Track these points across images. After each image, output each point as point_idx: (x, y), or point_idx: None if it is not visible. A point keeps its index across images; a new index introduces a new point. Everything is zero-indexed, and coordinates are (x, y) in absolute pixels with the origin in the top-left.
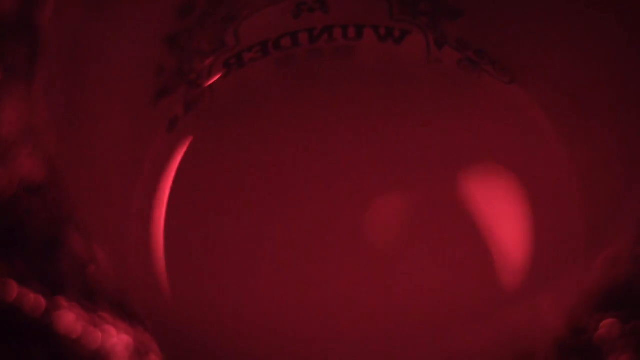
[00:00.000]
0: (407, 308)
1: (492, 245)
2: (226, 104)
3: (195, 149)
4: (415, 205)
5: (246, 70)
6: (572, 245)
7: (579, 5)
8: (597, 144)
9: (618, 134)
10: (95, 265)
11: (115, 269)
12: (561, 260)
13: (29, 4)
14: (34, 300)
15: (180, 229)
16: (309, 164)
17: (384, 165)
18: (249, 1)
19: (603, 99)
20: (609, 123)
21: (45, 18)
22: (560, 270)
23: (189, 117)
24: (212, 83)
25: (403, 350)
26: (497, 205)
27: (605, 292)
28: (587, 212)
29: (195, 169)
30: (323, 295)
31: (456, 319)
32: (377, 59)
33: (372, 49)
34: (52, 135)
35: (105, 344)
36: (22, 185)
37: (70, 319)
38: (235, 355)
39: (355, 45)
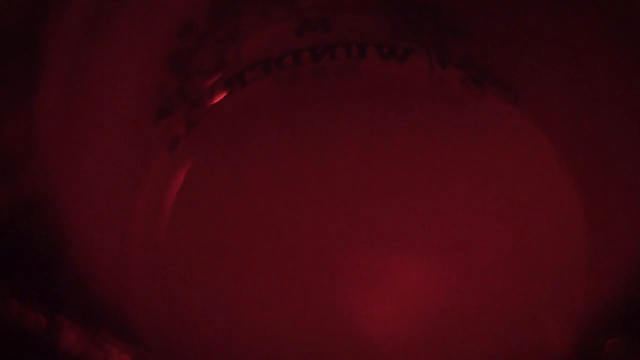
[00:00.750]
0: (408, 329)
1: (494, 266)
2: (228, 123)
3: (197, 168)
4: (417, 225)
5: (248, 89)
6: (576, 267)
7: (583, 26)
8: (600, 164)
9: (620, 153)
10: (96, 283)
11: (116, 287)
12: (565, 281)
13: (31, 21)
14: (35, 319)
15: (182, 247)
16: (311, 182)
17: (387, 184)
18: (251, 20)
19: (605, 119)
20: (612, 142)
21: (46, 36)
22: (564, 290)
23: (191, 137)
24: (214, 102)
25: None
26: (498, 223)
27: (610, 312)
28: (590, 231)
29: (197, 188)
30: (324, 315)
31: (459, 339)
32: (380, 78)
33: (375, 68)
34: (52, 153)
35: None
36: (22, 204)
37: (71, 338)
38: None
39: (358, 64)
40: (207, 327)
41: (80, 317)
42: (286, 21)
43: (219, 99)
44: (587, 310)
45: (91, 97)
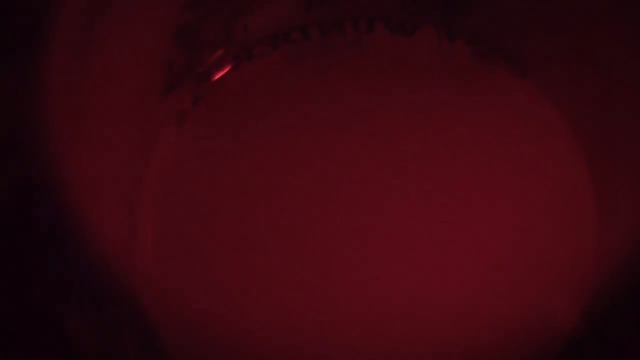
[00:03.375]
0: (415, 303)
1: (503, 242)
2: (235, 98)
3: (204, 143)
4: (425, 200)
5: (255, 64)
6: (584, 239)
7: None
8: (609, 136)
9: (630, 125)
10: (103, 262)
11: (124, 267)
12: (573, 255)
13: None
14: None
15: (190, 221)
16: (319, 157)
17: (395, 159)
18: None
19: (615, 91)
20: (621, 114)
21: (52, 12)
22: (572, 265)
23: (198, 111)
24: (221, 77)
25: (413, 344)
26: (508, 200)
27: (617, 287)
28: (599, 206)
29: (203, 163)
30: (325, 296)
31: (468, 317)
32: (388, 52)
33: (383, 42)
34: (58, 130)
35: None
36: (28, 184)
37: (79, 321)
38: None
39: (367, 39)
40: (217, 308)
41: (88, 300)
42: None
43: (226, 74)
44: (595, 284)
45: (98, 73)
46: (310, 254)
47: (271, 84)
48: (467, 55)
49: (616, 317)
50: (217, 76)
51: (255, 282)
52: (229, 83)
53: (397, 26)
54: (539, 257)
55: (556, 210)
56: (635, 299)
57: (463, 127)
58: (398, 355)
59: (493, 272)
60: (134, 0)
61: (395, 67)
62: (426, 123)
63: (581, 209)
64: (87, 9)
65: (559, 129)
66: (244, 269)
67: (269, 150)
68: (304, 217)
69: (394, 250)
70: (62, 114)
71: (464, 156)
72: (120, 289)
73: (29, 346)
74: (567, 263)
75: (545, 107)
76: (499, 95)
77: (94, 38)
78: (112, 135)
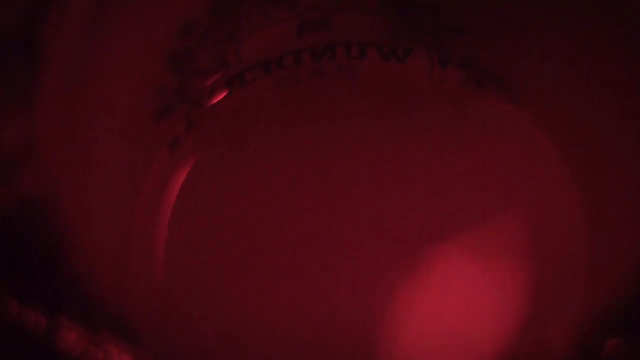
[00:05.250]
0: (408, 326)
1: (496, 267)
2: (228, 123)
3: (197, 168)
4: (416, 225)
5: (248, 89)
6: (577, 265)
7: (583, 26)
8: (600, 165)
9: (622, 153)
10: (96, 284)
11: (115, 287)
12: (566, 282)
13: (31, 21)
14: (34, 319)
15: (182, 247)
16: (311, 182)
17: (387, 183)
18: (251, 20)
19: (606, 120)
20: (613, 143)
21: (46, 35)
22: (565, 290)
23: (191, 137)
24: (214, 102)
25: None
26: (500, 225)
27: (611, 312)
28: (591, 232)
29: (197, 188)
30: (325, 314)
31: (460, 338)
32: (380, 78)
33: (375, 68)
34: (52, 152)
35: None
36: (21, 203)
37: (71, 338)
38: None
39: (359, 64)
40: (206, 328)
41: (80, 317)
42: (286, 21)
43: (219, 99)
44: (588, 310)
45: (91, 97)
46: (305, 279)
47: (264, 109)
48: (459, 81)
49: (608, 343)
50: (210, 101)
51: (248, 307)
52: (222, 108)
53: (389, 52)
54: (531, 284)
55: (547, 236)
56: (627, 326)
57: (454, 152)
58: None
59: (486, 299)
60: (128, 26)
61: (387, 92)
62: (418, 148)
63: (573, 235)
64: (82, 34)
65: (550, 155)
66: (237, 292)
67: (261, 175)
68: (295, 240)
69: (386, 270)
70: (55, 138)
71: (455, 181)
72: (112, 311)
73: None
74: (560, 290)
75: (537, 133)
76: (490, 121)
77: (89, 63)
78: (105, 159)
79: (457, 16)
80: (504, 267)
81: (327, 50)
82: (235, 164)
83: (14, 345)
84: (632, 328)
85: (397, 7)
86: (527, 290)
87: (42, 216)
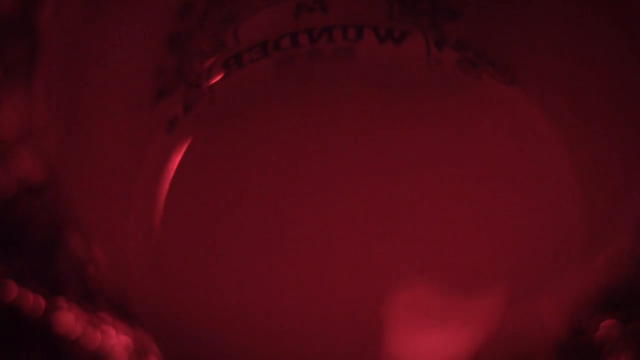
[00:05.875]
0: (407, 309)
1: (491, 246)
2: (226, 105)
3: (194, 149)
4: (415, 206)
5: (246, 71)
6: (572, 246)
7: (579, 6)
8: (597, 145)
9: (618, 134)
10: (95, 265)
11: (114, 269)
12: (561, 260)
13: (29, 4)
14: (34, 300)
15: (180, 229)
16: (308, 164)
17: (384, 166)
18: (249, 1)
19: (603, 100)
20: (609, 123)
21: (45, 18)
22: (559, 271)
23: (189, 118)
24: (212, 84)
25: (401, 350)
26: (496, 205)
27: (605, 293)
28: (587, 213)
29: (194, 170)
30: (322, 295)
31: (456, 320)
32: (377, 60)
33: (372, 50)
34: (51, 135)
35: (105, 344)
36: (21, 186)
37: (69, 319)
38: (235, 355)
39: (355, 46)
40: (204, 308)
41: (79, 299)
42: (283, 3)
43: (216, 80)
44: (583, 291)
45: (90, 79)
46: (301, 257)
47: (261, 90)
48: (455, 62)
49: (602, 325)
50: (208, 83)
51: (245, 286)
52: (219, 90)
53: (385, 34)
54: (527, 263)
55: (544, 217)
56: (622, 307)
57: (451, 133)
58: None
59: (479, 274)
60: (126, 8)
61: (384, 74)
62: (414, 129)
63: (568, 214)
64: (81, 16)
65: (547, 136)
66: (235, 272)
67: (259, 156)
68: (292, 221)
69: (387, 253)
70: (54, 121)
71: (452, 162)
72: (111, 292)
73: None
74: (555, 269)
75: (533, 114)
76: (486, 102)
77: (87, 45)
78: (104, 141)
79: None
80: (498, 246)
81: (324, 32)
82: (233, 145)
83: (12, 327)
84: (626, 310)
85: None
86: (521, 268)
87: (41, 199)
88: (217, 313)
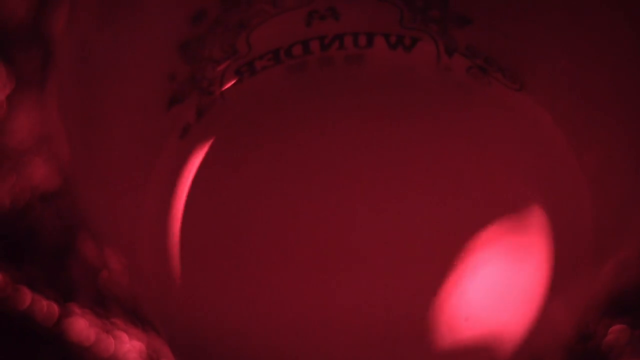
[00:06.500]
0: (414, 309)
1: (501, 249)
2: (238, 111)
3: (207, 155)
4: (425, 211)
5: (258, 77)
6: (582, 250)
7: (588, 13)
8: (607, 150)
9: (627, 139)
10: (108, 271)
11: (128, 274)
12: (571, 264)
13: (42, 13)
14: (47, 307)
15: (194, 234)
16: (320, 170)
17: (395, 171)
18: (261, 9)
19: (611, 106)
20: (618, 129)
21: (58, 27)
22: (569, 274)
23: (201, 124)
24: (224, 90)
25: (409, 351)
26: (507, 210)
27: (614, 298)
28: (597, 217)
29: (207, 175)
30: (337, 300)
31: (461, 316)
32: (387, 67)
33: (382, 57)
34: (64, 143)
35: (118, 350)
36: (35, 193)
37: (83, 325)
38: (248, 358)
39: (366, 53)
40: (217, 313)
41: (92, 305)
42: (295, 10)
43: (229, 87)
44: (593, 295)
45: (104, 86)
46: (316, 261)
47: (273, 97)
48: (465, 69)
49: (612, 329)
50: (221, 89)
51: (258, 292)
52: (232, 96)
53: (396, 41)
54: (537, 268)
55: (554, 222)
56: (632, 313)
57: (462, 139)
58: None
59: (488, 274)
60: (139, 15)
61: (394, 81)
62: (425, 135)
63: (579, 218)
64: (93, 24)
65: (556, 141)
66: (248, 275)
67: (271, 162)
68: (305, 223)
69: (394, 255)
70: (68, 128)
71: (462, 168)
72: (124, 297)
73: (32, 348)
74: (565, 272)
75: (542, 120)
76: (496, 108)
77: (101, 53)
78: (117, 148)
79: (463, 5)
80: (508, 246)
81: (336, 39)
82: (245, 152)
83: (26, 334)
84: (635, 315)
85: None
86: (531, 268)
87: (55, 205)
88: (230, 317)
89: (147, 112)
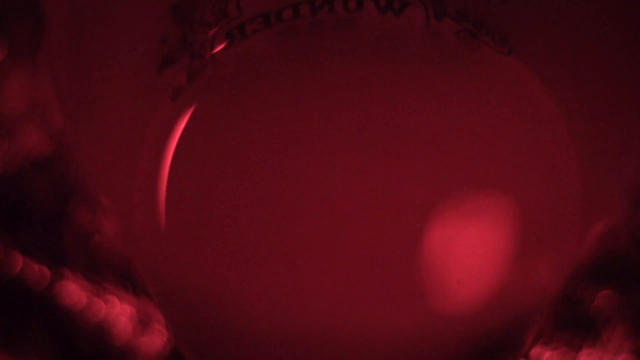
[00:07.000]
0: (405, 273)
1: (489, 211)
2: (229, 75)
3: (198, 118)
4: (414, 173)
5: (248, 41)
6: (569, 214)
7: None
8: (594, 114)
9: (615, 104)
10: (101, 235)
11: (120, 238)
12: (558, 228)
13: None
14: (39, 271)
15: (184, 196)
16: (309, 134)
17: (384, 134)
18: None
19: (600, 70)
20: (606, 93)
21: None
22: (557, 237)
23: (192, 87)
24: (215, 53)
25: (403, 314)
26: (494, 172)
27: (601, 264)
28: (584, 182)
29: (198, 138)
30: (327, 266)
31: (452, 282)
32: (377, 31)
33: (372, 21)
34: (57, 109)
35: (109, 314)
36: (27, 160)
37: (74, 289)
38: (240, 324)
39: (356, 17)
40: (209, 276)
41: (84, 269)
42: None
43: (219, 50)
44: (579, 258)
45: (96, 50)
46: (304, 226)
47: (264, 61)
48: (454, 33)
49: (599, 295)
50: (212, 53)
51: (249, 254)
52: (222, 60)
53: (385, 5)
54: (525, 227)
55: (542, 185)
56: (619, 278)
57: (451, 103)
58: (395, 328)
59: (477, 236)
60: None
61: (384, 45)
62: (414, 99)
63: (566, 181)
64: None
65: (544, 105)
66: (239, 240)
67: (261, 125)
68: (294, 188)
69: (386, 226)
70: (60, 95)
71: (452, 132)
72: (116, 261)
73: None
74: (552, 235)
75: (531, 84)
76: (485, 73)
77: (92, 17)
78: (109, 112)
79: None
80: (496, 209)
81: (325, 3)
82: (236, 115)
83: (18, 298)
84: (622, 281)
85: None
86: (519, 229)
87: (48, 172)
88: (222, 281)
89: (139, 76)
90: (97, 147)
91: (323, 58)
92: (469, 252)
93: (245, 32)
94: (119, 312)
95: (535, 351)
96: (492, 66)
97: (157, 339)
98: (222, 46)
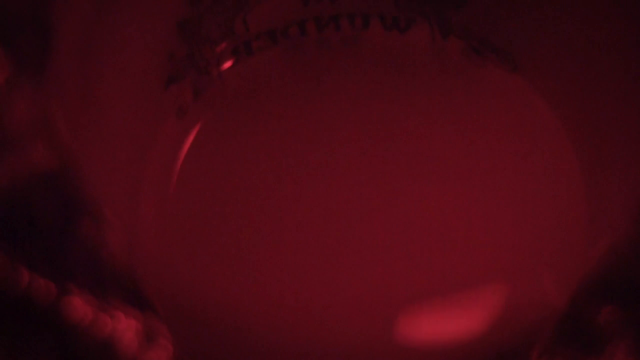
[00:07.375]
0: (408, 286)
1: (495, 226)
2: (234, 92)
3: (203, 135)
4: (421, 189)
5: (254, 58)
6: (574, 230)
7: None
8: (598, 131)
9: (619, 121)
10: (106, 250)
11: (126, 252)
12: (563, 244)
13: None
14: (44, 286)
15: (190, 213)
16: (315, 151)
17: (390, 153)
18: None
19: (605, 87)
20: (611, 110)
21: (56, 8)
22: (562, 253)
23: (198, 104)
24: (221, 70)
25: (409, 332)
26: (500, 189)
27: (605, 280)
28: (589, 198)
29: (203, 155)
30: (329, 281)
31: (459, 291)
32: (383, 49)
33: (378, 39)
34: (63, 123)
35: (115, 329)
36: (33, 174)
37: (80, 305)
38: (246, 338)
39: (362, 35)
40: (216, 290)
41: (90, 284)
42: None
43: (226, 67)
44: (585, 274)
45: (103, 66)
46: (311, 239)
47: (270, 78)
48: (460, 50)
49: (604, 310)
50: (218, 70)
51: (254, 270)
52: (229, 76)
53: (391, 22)
54: (531, 243)
55: (547, 200)
56: (624, 294)
57: (456, 120)
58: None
59: (483, 248)
60: None
61: (389, 62)
62: (420, 116)
63: (571, 198)
64: (92, 5)
65: (549, 122)
66: (246, 254)
67: (267, 142)
68: (300, 206)
69: (392, 240)
70: (67, 110)
71: (457, 149)
72: (122, 277)
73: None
74: (557, 251)
75: (536, 101)
76: (490, 90)
77: (99, 33)
78: (115, 128)
79: None
80: (504, 227)
81: (331, 20)
82: (241, 131)
83: (24, 313)
84: (626, 297)
85: None
86: (525, 243)
87: (54, 186)
88: (229, 295)
89: (145, 92)
90: (104, 162)
91: (329, 75)
92: (473, 267)
93: (251, 49)
94: (125, 327)
95: None
96: (497, 83)
97: (162, 353)
98: (228, 63)
